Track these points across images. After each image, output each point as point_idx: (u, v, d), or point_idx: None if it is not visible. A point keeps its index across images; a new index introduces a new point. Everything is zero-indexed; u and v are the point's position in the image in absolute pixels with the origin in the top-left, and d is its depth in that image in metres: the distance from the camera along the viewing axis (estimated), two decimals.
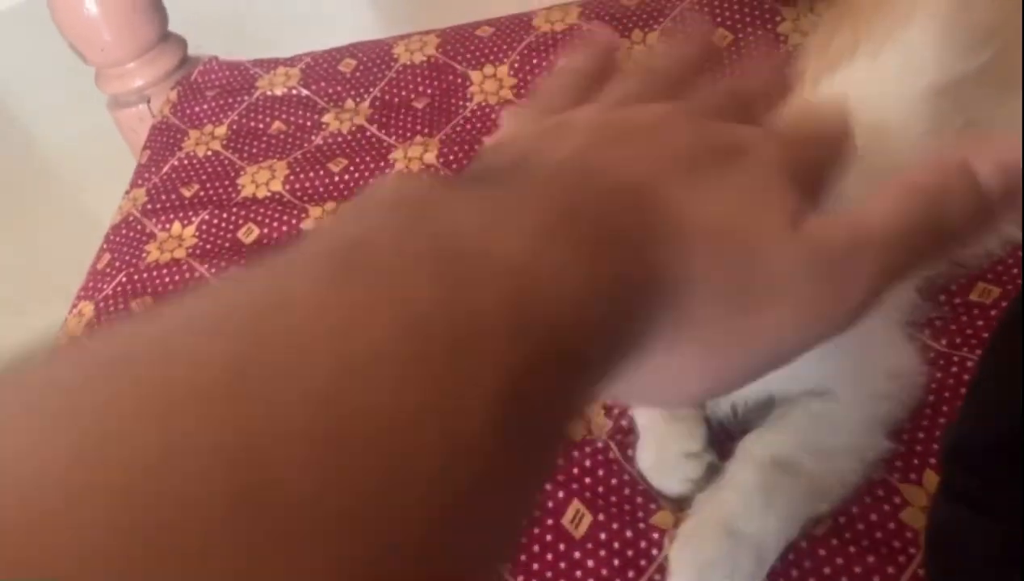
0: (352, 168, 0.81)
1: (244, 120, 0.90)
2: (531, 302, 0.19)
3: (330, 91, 0.90)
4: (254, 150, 0.86)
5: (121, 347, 0.15)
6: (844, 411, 0.48)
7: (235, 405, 0.14)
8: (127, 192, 0.88)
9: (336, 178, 0.81)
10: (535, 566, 0.51)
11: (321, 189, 0.80)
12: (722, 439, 0.51)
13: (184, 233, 0.80)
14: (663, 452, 0.50)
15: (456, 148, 0.79)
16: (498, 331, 0.18)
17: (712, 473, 0.49)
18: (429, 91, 0.87)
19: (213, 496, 0.13)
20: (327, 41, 0.97)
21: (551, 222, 0.21)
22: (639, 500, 0.51)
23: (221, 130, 0.89)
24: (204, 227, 0.80)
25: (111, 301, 0.75)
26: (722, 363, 0.24)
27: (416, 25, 0.97)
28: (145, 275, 0.77)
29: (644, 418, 0.52)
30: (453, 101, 0.85)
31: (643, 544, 0.50)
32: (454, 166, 0.78)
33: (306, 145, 0.85)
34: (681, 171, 0.23)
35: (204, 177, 0.85)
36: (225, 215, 0.80)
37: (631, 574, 0.50)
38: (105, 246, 0.83)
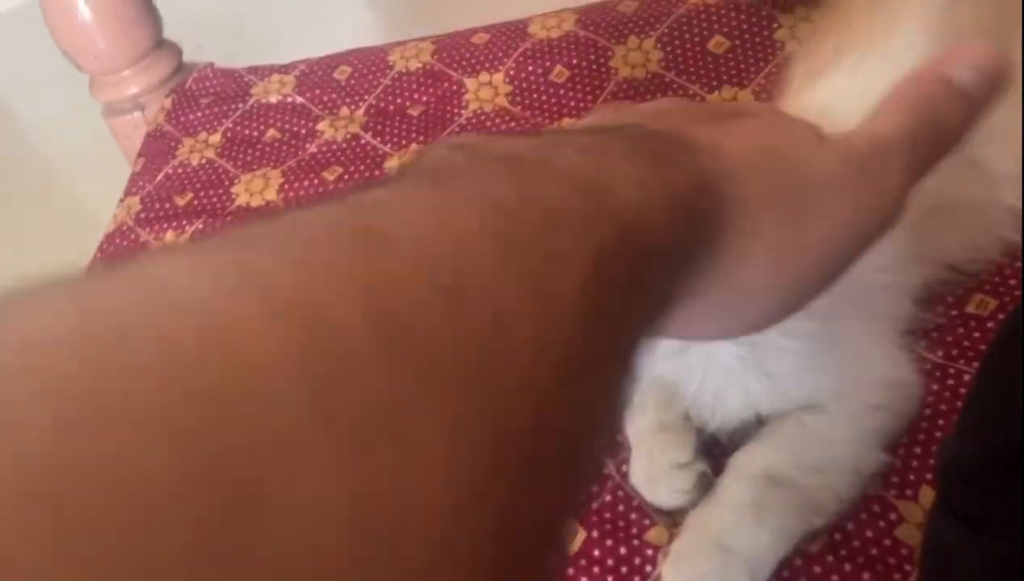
0: (347, 176, 0.80)
1: (238, 128, 0.89)
2: (598, 195, 0.20)
3: (325, 99, 0.89)
4: (248, 158, 0.86)
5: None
6: (837, 424, 0.47)
7: (369, 253, 0.15)
8: (121, 200, 0.88)
9: (331, 187, 0.80)
10: None
11: (316, 198, 0.80)
12: (716, 453, 0.51)
13: (178, 242, 0.79)
14: (653, 464, 0.50)
15: None
16: (574, 218, 0.19)
17: (704, 483, 0.49)
18: (424, 98, 0.86)
19: (355, 328, 0.14)
20: (326, 42, 0.97)
21: (604, 142, 0.23)
22: (633, 516, 0.51)
23: (215, 138, 0.89)
24: (198, 236, 0.79)
25: None
26: (793, 271, 0.26)
27: (416, 26, 0.96)
28: None
29: (634, 431, 0.51)
30: (448, 109, 0.84)
31: (637, 561, 0.50)
32: None
33: (300, 153, 0.84)
34: (707, 121, 0.27)
35: (198, 185, 0.84)
36: (219, 224, 0.79)
37: None
38: (98, 255, 0.83)
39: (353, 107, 0.87)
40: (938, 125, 0.27)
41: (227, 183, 0.83)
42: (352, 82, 0.90)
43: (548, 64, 0.83)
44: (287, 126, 0.88)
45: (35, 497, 0.10)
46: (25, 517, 0.10)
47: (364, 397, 0.13)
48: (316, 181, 0.81)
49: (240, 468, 0.12)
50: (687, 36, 0.81)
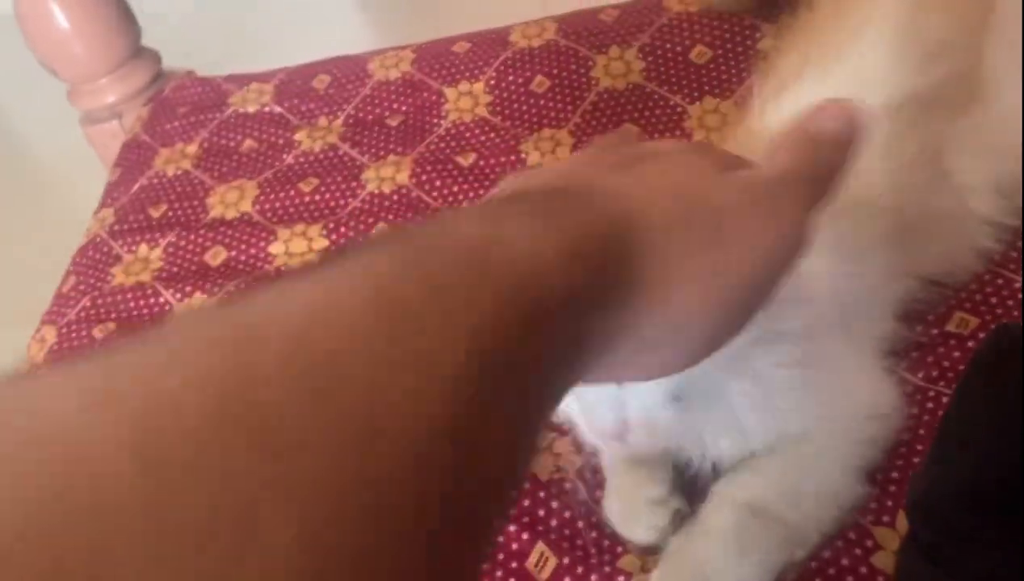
0: (323, 188, 0.79)
1: (215, 138, 0.88)
2: (483, 264, 0.21)
3: (303, 108, 0.88)
4: (224, 169, 0.84)
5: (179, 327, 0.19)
6: (822, 457, 0.46)
7: (235, 357, 0.16)
8: (96, 212, 0.86)
9: (307, 198, 0.79)
10: None
11: (292, 210, 0.79)
12: (701, 484, 0.49)
13: (151, 256, 0.78)
14: (628, 500, 0.48)
15: (429, 167, 0.78)
16: (455, 289, 0.20)
17: (679, 519, 0.47)
18: (404, 108, 0.85)
19: (205, 409, 0.15)
20: (316, 46, 0.96)
21: (498, 210, 0.25)
22: (606, 543, 0.49)
23: (192, 148, 0.88)
24: (171, 250, 0.78)
25: (74, 327, 0.74)
26: (716, 295, 0.27)
27: (407, 28, 0.95)
28: (110, 299, 0.75)
29: (609, 461, 0.50)
30: (427, 119, 0.83)
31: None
32: (427, 186, 0.76)
33: (277, 164, 0.83)
34: (616, 169, 0.30)
35: (173, 197, 0.83)
36: (192, 237, 0.78)
37: None
38: (71, 269, 0.81)
39: (331, 117, 0.86)
40: (820, 164, 0.31)
41: (202, 195, 0.82)
42: (331, 91, 0.88)
43: (529, 74, 0.82)
44: (264, 136, 0.87)
45: None
46: None
47: (207, 501, 0.14)
48: (292, 192, 0.79)
49: (81, 567, 0.13)
50: (669, 46, 0.80)
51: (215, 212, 0.80)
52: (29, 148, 2.08)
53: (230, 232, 0.77)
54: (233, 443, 0.15)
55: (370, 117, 0.85)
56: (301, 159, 0.83)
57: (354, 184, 0.79)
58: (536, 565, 0.50)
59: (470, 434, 0.18)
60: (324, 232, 0.75)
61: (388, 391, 0.17)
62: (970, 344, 0.53)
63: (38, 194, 1.86)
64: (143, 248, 0.79)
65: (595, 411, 0.43)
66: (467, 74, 0.85)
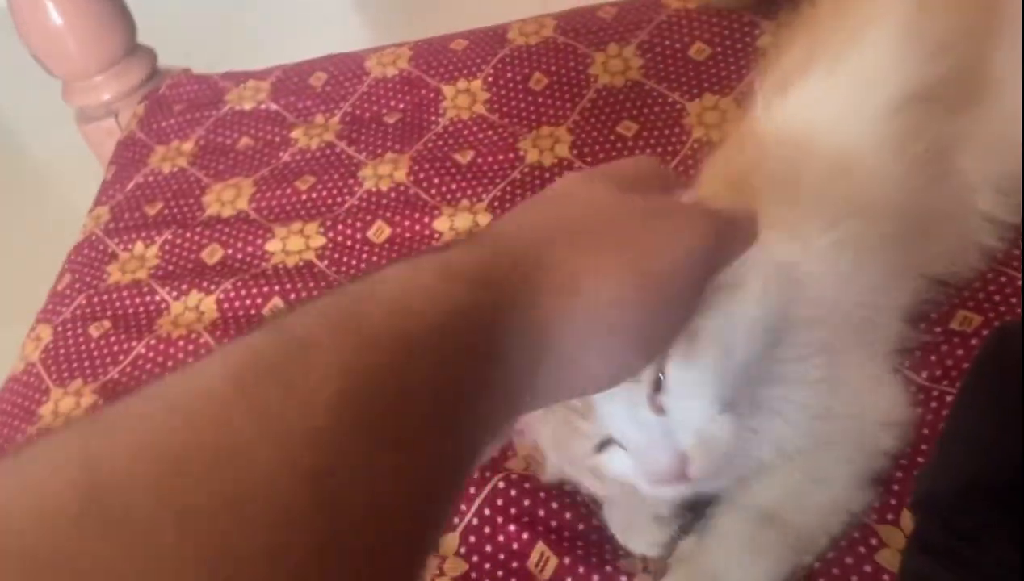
0: (320, 186, 0.79)
1: (212, 136, 0.87)
2: (360, 312, 0.23)
3: (300, 106, 0.87)
4: (220, 167, 0.84)
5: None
6: (834, 466, 0.46)
7: (95, 429, 0.19)
8: (91, 210, 0.86)
9: (303, 196, 0.78)
10: None
11: (288, 208, 0.78)
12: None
13: (147, 253, 0.77)
14: (629, 511, 0.48)
15: (427, 165, 0.77)
16: (324, 343, 0.21)
17: (682, 533, 0.47)
18: (401, 106, 0.84)
19: (65, 496, 0.17)
20: (314, 46, 0.95)
21: (396, 259, 0.29)
22: (607, 545, 0.49)
23: (188, 146, 0.87)
24: (167, 247, 0.77)
25: (69, 325, 0.73)
26: (633, 286, 0.28)
27: (403, 28, 0.94)
28: (105, 297, 0.74)
29: (613, 479, 0.50)
30: (425, 116, 0.82)
31: None
32: (424, 184, 0.76)
33: (274, 162, 0.83)
34: (510, 215, 0.32)
35: (169, 195, 0.83)
36: (189, 235, 0.77)
37: None
38: (66, 267, 0.81)
39: (328, 115, 0.86)
40: (727, 216, 0.33)
41: (198, 193, 0.82)
42: (328, 89, 0.88)
43: (527, 71, 0.82)
44: (261, 134, 0.86)
45: None
46: None
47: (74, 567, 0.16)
48: (289, 190, 0.79)
49: None
50: (668, 43, 0.79)
51: (211, 210, 0.80)
52: (22, 146, 2.07)
53: (227, 230, 0.76)
54: (91, 537, 0.17)
55: (367, 115, 0.85)
56: (298, 157, 0.82)
57: (351, 181, 0.78)
58: (537, 565, 0.50)
59: (340, 475, 0.19)
60: (321, 229, 0.74)
61: (245, 456, 0.19)
62: (973, 342, 0.53)
63: (31, 192, 1.85)
64: (139, 246, 0.78)
65: (647, 455, 0.40)
66: (465, 71, 0.84)
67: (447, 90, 0.83)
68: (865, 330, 0.48)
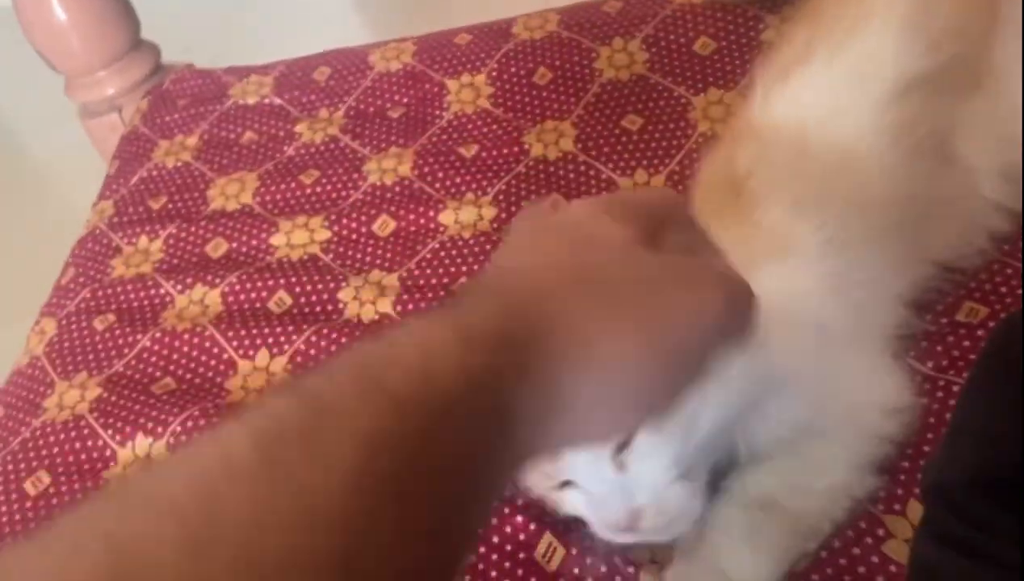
0: (324, 180, 0.79)
1: (215, 130, 0.87)
2: (380, 376, 0.23)
3: (304, 100, 0.87)
4: (224, 161, 0.84)
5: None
6: (833, 450, 0.46)
7: (118, 508, 0.20)
8: (95, 204, 0.86)
9: (308, 190, 0.78)
10: None
11: (292, 202, 0.78)
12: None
13: (151, 247, 0.77)
14: None
15: (432, 159, 0.77)
16: (344, 409, 0.22)
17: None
18: (405, 100, 0.84)
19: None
20: (313, 43, 0.95)
21: (408, 317, 0.29)
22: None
23: (192, 140, 0.87)
24: (171, 241, 0.77)
25: (74, 318, 0.73)
26: (641, 348, 0.28)
27: (404, 27, 0.94)
28: (110, 291, 0.74)
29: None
30: (429, 111, 0.82)
31: (618, 579, 0.48)
32: (429, 178, 0.76)
33: (278, 156, 0.83)
34: (523, 252, 0.32)
35: (173, 189, 0.83)
36: (193, 229, 0.77)
37: None
38: (70, 261, 0.81)
39: (332, 109, 0.86)
40: (740, 288, 0.32)
41: (202, 186, 0.81)
42: (332, 83, 0.88)
43: (531, 65, 0.82)
44: (264, 128, 0.86)
45: None
46: None
47: None
48: (293, 184, 0.79)
49: None
50: (673, 37, 0.79)
51: (216, 204, 0.80)
52: (23, 145, 2.07)
53: (231, 224, 0.76)
54: None
55: (371, 109, 0.85)
56: (302, 151, 0.82)
57: (355, 176, 0.78)
58: (544, 556, 0.50)
59: (368, 555, 0.20)
60: (326, 223, 0.74)
61: (271, 533, 0.19)
62: (980, 333, 0.53)
63: (32, 191, 1.85)
64: (143, 240, 0.78)
65: (602, 505, 0.44)
66: (469, 66, 0.84)
67: (451, 84, 0.83)
68: (864, 320, 0.48)
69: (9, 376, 0.72)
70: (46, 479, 0.62)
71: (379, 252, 0.71)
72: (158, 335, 0.69)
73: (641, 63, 0.79)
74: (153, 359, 0.68)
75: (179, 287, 0.73)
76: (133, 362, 0.68)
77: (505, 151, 0.76)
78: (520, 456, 0.27)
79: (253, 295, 0.70)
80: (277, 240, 0.74)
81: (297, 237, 0.74)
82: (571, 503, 0.46)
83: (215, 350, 0.67)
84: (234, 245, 0.75)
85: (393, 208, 0.74)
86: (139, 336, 0.70)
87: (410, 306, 0.66)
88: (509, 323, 0.26)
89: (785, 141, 0.51)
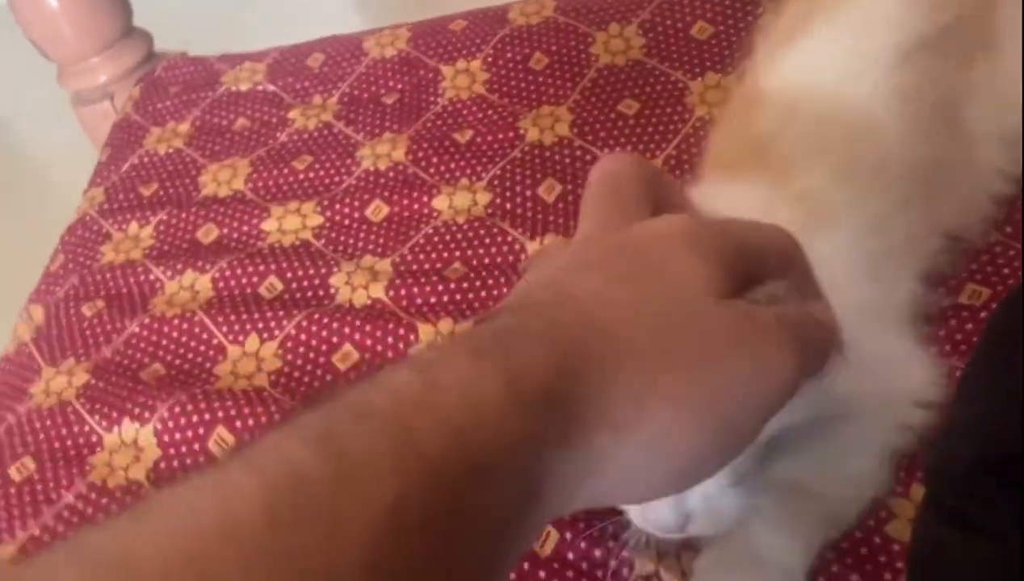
0: (317, 165, 0.78)
1: (207, 117, 0.86)
2: (415, 428, 0.21)
3: (297, 87, 0.86)
4: (217, 148, 0.83)
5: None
6: (864, 437, 0.44)
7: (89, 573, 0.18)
8: (85, 191, 0.85)
9: (300, 176, 0.77)
10: None
11: (285, 187, 0.77)
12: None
13: (141, 233, 0.76)
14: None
15: (426, 144, 0.76)
16: (375, 463, 0.20)
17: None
18: (399, 86, 0.83)
19: None
20: (309, 32, 0.94)
21: (445, 349, 0.24)
22: (609, 521, 0.48)
23: (184, 127, 0.86)
24: (162, 227, 0.76)
25: (62, 304, 0.72)
26: (696, 429, 0.26)
27: (400, 15, 0.93)
28: (99, 277, 0.73)
29: None
30: (424, 97, 0.81)
31: (613, 564, 0.47)
32: (423, 163, 0.75)
33: (270, 142, 0.81)
34: (589, 270, 0.28)
35: (164, 176, 0.81)
36: (184, 215, 0.76)
37: None
38: (59, 247, 0.80)
39: (326, 95, 0.85)
40: (819, 340, 0.30)
41: (194, 173, 0.80)
42: (325, 69, 0.87)
43: (527, 51, 0.81)
44: (257, 115, 0.85)
45: None
46: None
47: None
48: (286, 170, 0.78)
49: None
50: (670, 22, 0.78)
51: (207, 190, 0.79)
52: (14, 142, 2.06)
53: (223, 209, 0.75)
54: None
55: (365, 95, 0.84)
56: (295, 137, 0.81)
57: (349, 161, 0.77)
58: (537, 541, 0.49)
59: None
60: (319, 209, 0.73)
61: None
62: (982, 315, 0.52)
63: (29, 184, 1.84)
64: (133, 226, 0.77)
65: (652, 506, 0.41)
66: (464, 52, 0.83)
67: (446, 70, 0.82)
68: (891, 298, 0.47)
69: None
70: (31, 465, 0.61)
71: (372, 237, 0.70)
72: (147, 321, 0.68)
73: (638, 48, 0.78)
74: (142, 345, 0.67)
75: (169, 273, 0.71)
76: (121, 348, 0.67)
77: (500, 136, 0.75)
78: (546, 516, 0.25)
79: (244, 281, 0.69)
80: (269, 226, 0.73)
81: (289, 223, 0.73)
82: None
83: (204, 336, 0.66)
84: (225, 231, 0.74)
85: (386, 193, 0.73)
86: (128, 322, 0.68)
87: (403, 291, 0.65)
88: (561, 382, 0.24)
89: (801, 107, 0.50)
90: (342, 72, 0.86)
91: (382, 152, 0.76)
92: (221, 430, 0.59)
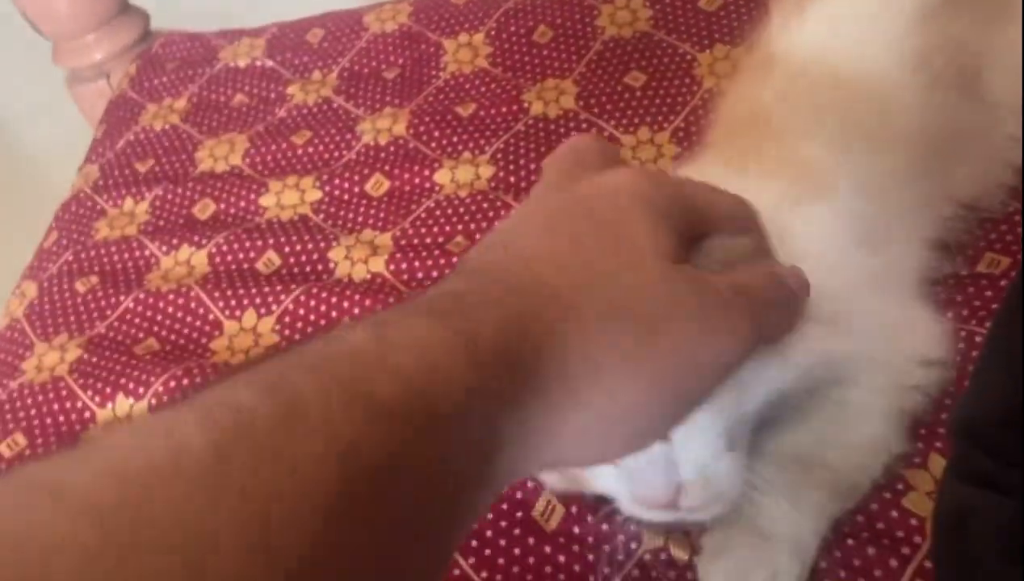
0: (316, 140, 0.76)
1: (205, 93, 0.85)
2: (369, 380, 0.21)
3: (296, 62, 0.85)
4: (214, 124, 0.81)
5: None
6: (868, 400, 0.43)
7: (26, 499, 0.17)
8: (80, 168, 0.83)
9: (299, 151, 0.76)
10: (500, 561, 0.46)
11: (283, 162, 0.75)
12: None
13: (136, 209, 0.75)
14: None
15: (428, 119, 0.74)
16: (322, 413, 0.19)
17: None
18: (400, 61, 0.82)
19: None
20: (305, 10, 0.92)
21: (400, 310, 0.24)
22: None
23: (180, 104, 0.84)
24: (158, 203, 0.75)
25: (55, 280, 0.70)
26: (652, 389, 0.26)
27: None
28: (93, 253, 0.72)
29: None
30: (425, 71, 0.80)
31: (621, 538, 0.46)
32: (424, 137, 0.73)
33: (269, 118, 0.80)
34: (541, 230, 0.28)
35: (160, 152, 0.80)
36: (180, 190, 0.75)
37: (607, 571, 0.45)
38: (53, 224, 0.78)
39: (325, 70, 0.83)
40: (781, 303, 0.32)
41: (191, 148, 0.79)
42: (325, 44, 0.85)
43: (531, 23, 0.79)
44: (256, 90, 0.83)
45: None
46: None
47: None
48: (284, 145, 0.76)
49: None
50: None
51: (204, 166, 0.77)
52: (15, 126, 2.04)
53: (219, 185, 0.74)
54: None
55: (366, 70, 0.82)
56: (294, 112, 0.80)
57: (349, 136, 0.75)
58: (543, 514, 0.47)
59: (338, 551, 0.18)
60: (317, 184, 0.71)
61: (204, 538, 0.16)
62: (1002, 283, 0.50)
63: (25, 174, 1.82)
64: (128, 202, 0.75)
65: (641, 480, 0.38)
66: (467, 25, 0.81)
67: (448, 44, 0.81)
68: (896, 263, 0.46)
69: None
70: (22, 441, 0.60)
71: (372, 212, 0.69)
72: (142, 296, 0.66)
73: (644, 20, 0.76)
74: (136, 320, 0.65)
75: (164, 248, 0.70)
76: (115, 323, 0.66)
77: (504, 109, 0.73)
78: (500, 479, 0.24)
79: (241, 256, 0.68)
80: (267, 201, 0.72)
81: (287, 197, 0.71)
82: (602, 479, 0.40)
83: (200, 311, 0.65)
84: (222, 206, 0.73)
85: (387, 168, 0.71)
86: (122, 297, 0.67)
87: (404, 265, 0.63)
88: (517, 344, 0.24)
89: (810, 73, 0.48)
90: (342, 47, 0.84)
91: (383, 126, 0.75)
92: None
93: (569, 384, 0.25)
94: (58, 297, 0.69)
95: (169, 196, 0.75)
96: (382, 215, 0.68)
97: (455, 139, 0.72)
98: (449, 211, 0.66)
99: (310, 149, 0.75)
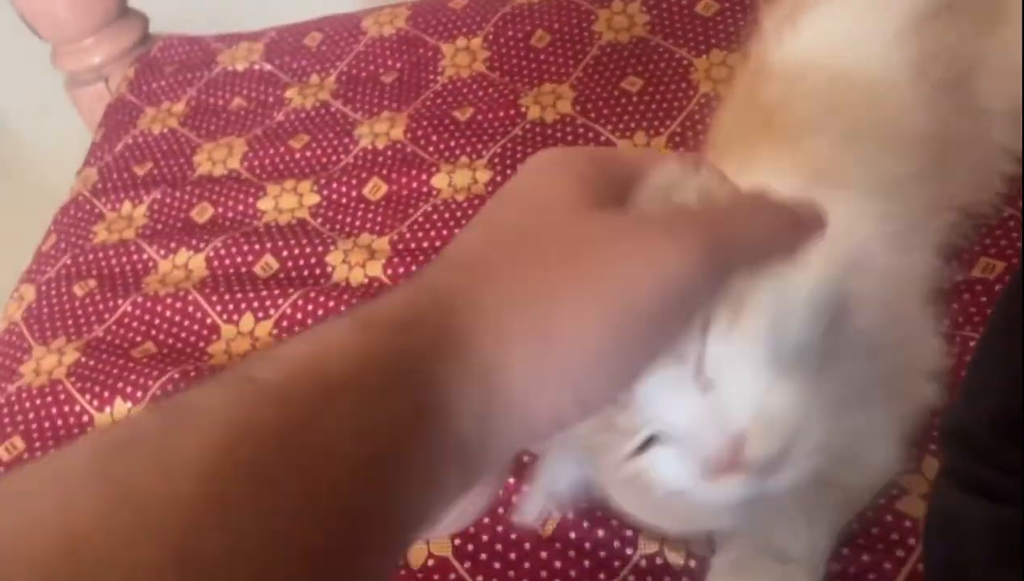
0: (314, 144, 0.76)
1: (203, 96, 0.85)
2: (253, 369, 0.21)
3: (294, 66, 0.85)
4: (212, 127, 0.81)
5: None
6: (881, 421, 0.42)
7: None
8: (79, 172, 0.83)
9: (297, 155, 0.76)
10: (497, 565, 0.46)
11: (281, 166, 0.76)
12: None
13: (134, 213, 0.75)
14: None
15: (425, 122, 0.74)
16: (208, 409, 0.20)
17: None
18: (398, 65, 0.82)
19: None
20: (303, 14, 0.93)
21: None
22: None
23: (179, 107, 0.84)
24: (156, 206, 0.75)
25: (53, 284, 0.71)
26: (602, 319, 0.25)
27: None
28: (91, 257, 0.72)
29: None
30: (423, 75, 0.80)
31: (616, 544, 0.46)
32: (422, 141, 0.73)
33: (267, 121, 0.80)
34: (474, 227, 0.29)
35: (159, 155, 0.80)
36: (178, 194, 0.75)
37: (602, 576, 0.46)
38: (52, 227, 0.78)
39: (323, 74, 0.83)
40: (751, 223, 0.29)
41: (189, 152, 0.79)
42: (323, 48, 0.85)
43: (529, 28, 0.79)
44: (254, 94, 0.84)
45: None
46: None
47: None
48: (282, 149, 0.76)
49: None
50: None
51: (202, 169, 0.77)
52: (13, 127, 2.04)
53: (217, 188, 0.74)
54: None
55: (363, 74, 0.82)
56: (292, 116, 0.80)
57: (347, 140, 0.76)
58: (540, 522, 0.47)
59: (209, 530, 0.18)
60: (315, 188, 0.72)
61: (92, 536, 0.17)
62: (997, 288, 0.50)
63: (23, 174, 1.82)
64: (127, 205, 0.75)
65: (695, 441, 0.33)
66: (464, 30, 0.82)
67: (446, 49, 0.81)
68: (911, 270, 0.46)
69: None
70: (20, 445, 0.60)
71: (369, 216, 0.69)
72: (139, 300, 0.66)
73: (641, 25, 0.76)
74: (134, 324, 0.66)
75: (162, 252, 0.70)
76: (113, 327, 0.66)
77: (501, 114, 0.73)
78: (467, 452, 0.23)
79: (239, 260, 0.68)
80: (264, 204, 0.72)
81: (285, 201, 0.72)
82: (660, 466, 0.34)
83: (198, 315, 0.65)
84: (220, 210, 0.73)
85: (385, 172, 0.71)
86: (120, 301, 0.67)
87: (401, 269, 0.64)
88: (418, 298, 0.24)
89: (809, 75, 0.48)
90: (340, 51, 0.84)
91: (380, 131, 0.75)
92: None
93: (495, 330, 0.24)
94: (56, 301, 0.69)
95: (167, 200, 0.75)
96: (380, 219, 0.69)
97: (452, 143, 0.72)
98: (447, 215, 0.66)
99: (308, 153, 0.76)
